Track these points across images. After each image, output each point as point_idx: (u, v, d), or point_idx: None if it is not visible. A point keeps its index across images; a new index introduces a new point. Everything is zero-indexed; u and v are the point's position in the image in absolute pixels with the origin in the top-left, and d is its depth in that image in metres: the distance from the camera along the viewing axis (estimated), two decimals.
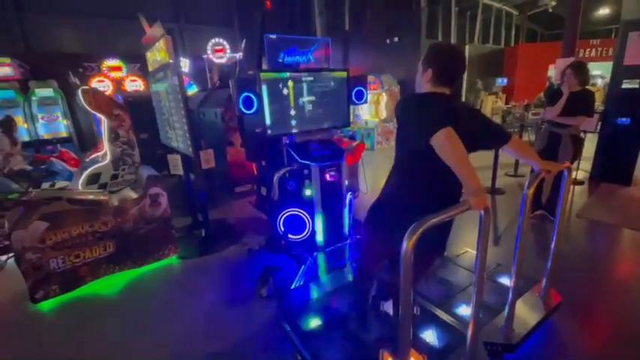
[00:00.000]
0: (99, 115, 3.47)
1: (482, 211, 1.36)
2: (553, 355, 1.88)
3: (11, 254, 2.55)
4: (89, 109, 3.40)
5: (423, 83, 1.52)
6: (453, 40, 13.46)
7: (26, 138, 6.82)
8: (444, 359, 1.68)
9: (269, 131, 2.74)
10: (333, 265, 2.78)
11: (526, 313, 1.96)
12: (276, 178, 2.83)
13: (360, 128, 8.27)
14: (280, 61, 2.84)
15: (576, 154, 3.42)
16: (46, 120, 7.16)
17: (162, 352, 2.04)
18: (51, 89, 7.17)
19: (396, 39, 8.97)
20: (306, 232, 2.99)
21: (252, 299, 2.45)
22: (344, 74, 3.02)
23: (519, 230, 1.70)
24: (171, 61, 2.79)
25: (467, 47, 13.39)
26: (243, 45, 8.44)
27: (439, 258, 2.49)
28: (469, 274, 2.39)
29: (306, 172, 2.87)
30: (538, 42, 17.37)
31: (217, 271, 2.90)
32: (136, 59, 7.90)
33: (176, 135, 3.27)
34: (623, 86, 4.53)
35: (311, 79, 2.83)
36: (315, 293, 2.35)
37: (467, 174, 1.23)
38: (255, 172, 4.01)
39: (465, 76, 13.95)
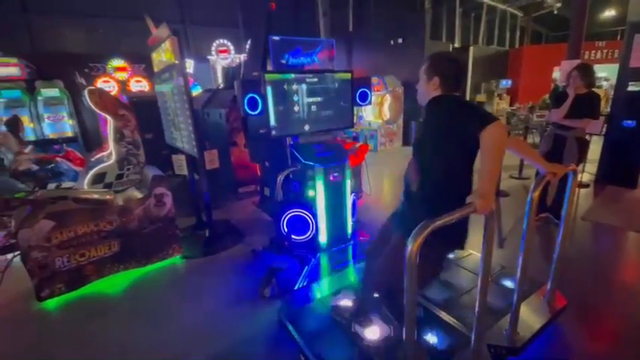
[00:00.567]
0: (105, 115, 3.50)
1: (487, 214, 1.36)
2: (558, 359, 1.87)
3: (17, 253, 2.57)
4: (95, 109, 3.43)
5: (431, 91, 1.56)
6: (457, 42, 13.44)
7: (32, 137, 6.88)
8: None
9: (273, 132, 2.75)
10: (337, 266, 2.78)
11: (531, 316, 1.95)
12: (279, 178, 2.84)
13: (363, 129, 8.27)
14: (285, 62, 2.85)
15: (582, 157, 3.40)
16: (51, 120, 7.22)
17: (166, 350, 2.05)
18: (57, 89, 7.23)
19: (399, 40, 8.95)
20: (309, 232, 2.99)
21: (256, 299, 2.45)
22: (348, 75, 3.02)
23: (524, 233, 1.70)
24: (176, 61, 2.81)
25: (471, 49, 13.35)
26: (248, 46, 8.47)
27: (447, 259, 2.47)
28: (473, 276, 2.37)
29: (309, 173, 2.88)
30: (543, 44, 17.28)
31: (221, 271, 2.91)
32: (141, 60, 7.96)
33: (181, 135, 3.29)
34: (629, 89, 4.50)
35: (315, 80, 2.84)
36: (318, 294, 2.35)
37: (494, 173, 1.29)
38: (259, 173, 4.02)
39: (469, 77, 13.92)
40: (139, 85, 8.11)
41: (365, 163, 4.21)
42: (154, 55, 3.51)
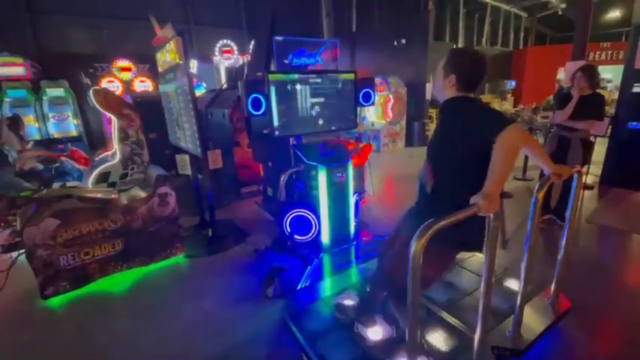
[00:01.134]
0: (109, 114, 3.52)
1: (491, 215, 1.35)
2: None
3: (22, 251, 2.59)
4: (100, 108, 3.46)
5: (447, 88, 1.53)
6: (460, 43, 13.40)
7: (37, 137, 6.94)
8: None
9: (276, 132, 2.76)
10: (339, 266, 2.78)
11: (534, 319, 1.94)
12: (283, 179, 2.85)
13: (366, 130, 8.27)
14: (288, 62, 2.86)
15: (586, 159, 3.38)
16: (56, 119, 7.28)
17: (169, 349, 2.06)
18: (62, 89, 7.28)
19: (403, 41, 8.95)
20: (312, 233, 3.00)
21: (258, 299, 2.45)
22: (351, 76, 3.03)
23: (528, 234, 1.69)
24: (181, 62, 2.83)
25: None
26: (251, 46, 8.49)
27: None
28: (477, 277, 2.37)
29: (312, 173, 2.88)
30: (547, 45, 17.20)
31: (224, 271, 2.92)
32: (145, 60, 8.02)
33: (185, 135, 3.31)
34: (634, 90, 4.47)
35: (319, 80, 2.85)
36: (321, 294, 2.35)
37: (503, 175, 1.30)
38: (262, 173, 4.04)
39: None
40: (143, 85, 8.16)
41: (368, 164, 4.21)
42: (159, 56, 3.53)
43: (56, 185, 4.31)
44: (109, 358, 2.03)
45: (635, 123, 4.49)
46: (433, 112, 8.89)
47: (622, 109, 4.66)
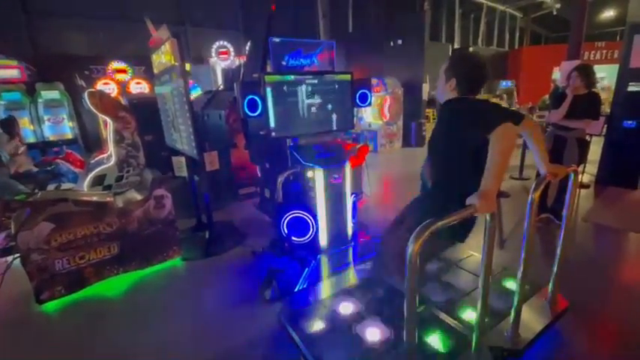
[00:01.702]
0: (104, 117, 3.50)
1: (488, 215, 1.35)
2: None
3: (17, 255, 2.57)
4: (95, 111, 3.43)
5: (448, 92, 1.58)
6: (456, 43, 13.46)
7: (32, 139, 6.89)
8: None
9: (273, 133, 2.75)
10: (337, 267, 2.77)
11: (532, 318, 1.94)
12: (279, 180, 2.84)
13: (363, 131, 8.27)
14: (284, 63, 2.85)
15: (582, 158, 3.40)
16: (52, 122, 7.24)
17: (166, 353, 2.04)
18: (57, 91, 7.24)
19: (399, 41, 8.97)
20: (309, 234, 2.98)
21: (256, 301, 2.44)
22: (348, 77, 3.02)
23: (525, 234, 1.69)
24: (176, 63, 2.81)
25: (470, 50, 13.37)
26: (248, 48, 8.49)
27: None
28: (474, 278, 2.37)
29: (309, 174, 2.87)
30: (542, 44, 17.30)
31: (221, 273, 2.90)
32: (141, 62, 7.99)
33: (181, 137, 3.29)
34: (629, 89, 4.50)
35: (315, 81, 2.84)
36: (318, 296, 2.34)
37: (500, 171, 1.30)
38: (259, 174, 4.02)
39: None
40: (139, 87, 8.13)
41: (365, 165, 4.21)
42: (154, 57, 3.51)
43: (51, 187, 4.28)
44: None
45: (630, 122, 4.52)
46: (430, 113, 8.92)
47: (617, 108, 4.69)
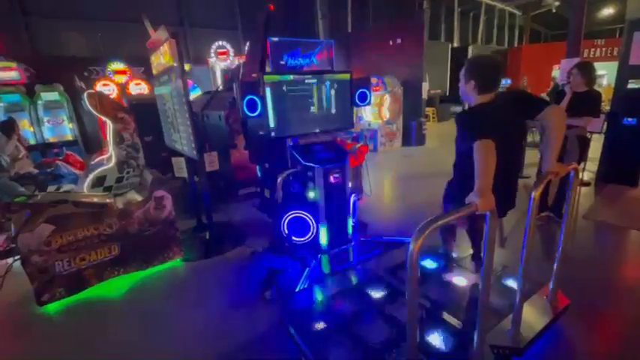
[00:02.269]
0: (104, 118, 3.49)
1: (489, 213, 1.35)
2: (561, 359, 1.86)
3: (17, 257, 2.57)
4: (95, 112, 3.42)
5: (469, 92, 1.83)
6: (456, 41, 13.46)
7: (32, 141, 6.88)
8: None
9: (272, 133, 2.75)
10: (337, 267, 2.77)
11: (533, 316, 1.94)
12: (279, 180, 2.83)
13: (363, 130, 8.26)
14: (283, 63, 2.85)
15: (582, 156, 3.39)
16: (51, 123, 7.23)
17: (167, 353, 2.04)
18: (56, 93, 7.23)
19: (398, 40, 8.95)
20: (309, 234, 2.98)
21: (257, 302, 2.44)
22: (347, 76, 3.02)
23: (526, 232, 1.69)
24: (175, 64, 2.81)
25: (470, 48, 13.35)
26: (247, 48, 8.48)
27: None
28: (475, 276, 2.36)
29: (309, 174, 2.87)
30: (542, 42, 17.29)
31: (221, 274, 2.90)
32: (140, 63, 7.98)
33: (180, 138, 3.29)
34: (629, 86, 4.49)
35: (314, 81, 2.84)
36: (319, 296, 2.34)
37: (484, 175, 1.46)
38: (259, 175, 4.02)
39: None
40: (139, 88, 8.12)
41: (365, 164, 4.20)
42: (153, 58, 3.51)
43: (51, 188, 4.27)
44: None
45: (630, 119, 4.51)
46: (430, 112, 8.91)
47: (617, 105, 4.68)
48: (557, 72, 9.28)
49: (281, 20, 10.90)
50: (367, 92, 3.21)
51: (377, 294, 2.25)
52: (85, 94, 3.41)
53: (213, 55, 9.82)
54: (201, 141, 3.04)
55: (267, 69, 2.95)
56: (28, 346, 2.18)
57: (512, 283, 2.25)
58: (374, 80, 7.83)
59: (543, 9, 15.37)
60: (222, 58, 9.81)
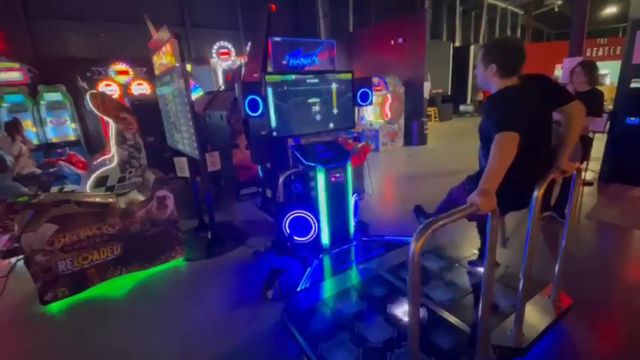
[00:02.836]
0: (106, 118, 3.51)
1: (491, 213, 1.35)
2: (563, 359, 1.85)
3: (21, 257, 2.58)
4: (97, 112, 3.44)
5: (490, 78, 1.68)
6: (457, 41, 13.42)
7: (35, 141, 6.93)
8: None
9: (274, 133, 2.75)
10: (339, 267, 2.77)
11: (536, 316, 1.93)
12: (281, 180, 2.84)
13: (365, 130, 8.25)
14: (285, 63, 2.85)
15: (585, 155, 3.38)
16: (54, 124, 7.28)
17: (169, 353, 2.04)
18: (59, 93, 7.28)
19: (400, 40, 8.94)
20: (311, 234, 2.99)
21: (258, 301, 2.44)
22: (349, 76, 3.02)
23: (528, 232, 1.68)
24: (177, 64, 2.82)
25: (472, 47, 13.31)
26: (248, 48, 8.49)
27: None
28: (478, 276, 2.36)
29: (311, 174, 2.87)
30: (544, 42, 17.22)
31: (223, 273, 2.91)
32: (142, 63, 8.01)
33: (182, 138, 3.30)
34: (632, 85, 4.46)
35: (316, 80, 2.84)
36: (321, 295, 2.34)
37: (495, 173, 1.35)
38: (261, 175, 4.02)
39: (469, 76, 13.86)
40: (141, 88, 8.16)
41: (367, 164, 4.20)
42: (155, 59, 3.52)
43: (54, 189, 4.30)
44: None
45: (633, 118, 4.49)
46: (432, 111, 8.89)
47: (620, 104, 4.65)
48: (559, 71, 9.25)
49: (290, 19, 10.90)
50: (369, 92, 3.21)
51: (378, 294, 2.25)
52: (88, 95, 3.43)
53: (214, 55, 9.84)
54: (203, 141, 3.05)
55: (269, 69, 2.95)
56: (32, 345, 2.19)
57: (514, 283, 2.25)
58: (375, 80, 7.82)
59: (546, 8, 15.31)
60: (224, 58, 9.83)
